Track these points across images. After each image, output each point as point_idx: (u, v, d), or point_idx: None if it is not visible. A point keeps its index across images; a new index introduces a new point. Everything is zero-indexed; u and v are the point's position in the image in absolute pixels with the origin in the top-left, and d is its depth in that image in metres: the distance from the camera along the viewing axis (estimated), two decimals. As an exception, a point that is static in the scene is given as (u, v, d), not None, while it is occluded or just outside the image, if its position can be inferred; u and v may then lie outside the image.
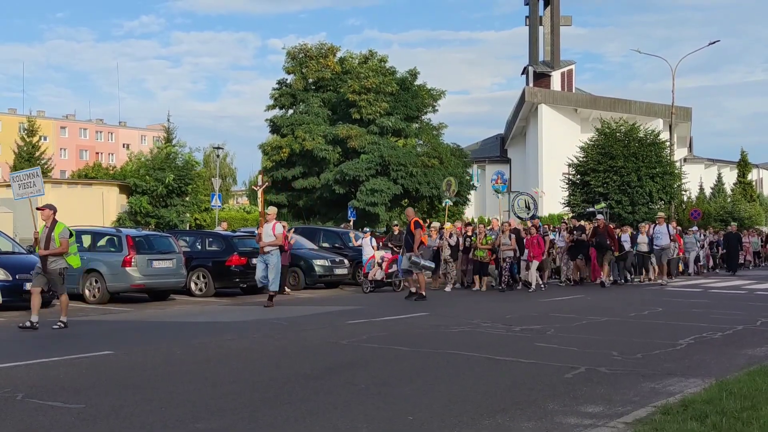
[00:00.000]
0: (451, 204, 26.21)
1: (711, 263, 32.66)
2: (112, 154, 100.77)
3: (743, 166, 64.01)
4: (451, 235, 22.37)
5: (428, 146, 38.95)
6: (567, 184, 40.25)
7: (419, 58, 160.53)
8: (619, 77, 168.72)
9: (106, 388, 7.76)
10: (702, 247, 31.22)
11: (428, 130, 40.30)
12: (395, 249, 21.07)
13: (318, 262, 22.34)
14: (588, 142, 39.40)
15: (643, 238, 25.05)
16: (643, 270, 25.84)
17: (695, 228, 32.05)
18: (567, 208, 40.28)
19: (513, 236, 21.62)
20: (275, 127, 39.54)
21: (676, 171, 39.44)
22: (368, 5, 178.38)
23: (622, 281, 24.61)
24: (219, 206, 34.42)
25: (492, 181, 25.04)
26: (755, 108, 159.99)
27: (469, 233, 22.43)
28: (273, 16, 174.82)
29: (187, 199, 32.91)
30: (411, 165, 35.93)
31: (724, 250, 32.91)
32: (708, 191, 59.73)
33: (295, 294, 20.66)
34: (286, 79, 41.12)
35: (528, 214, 24.16)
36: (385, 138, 37.18)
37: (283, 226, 17.99)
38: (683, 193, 42.70)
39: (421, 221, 19.48)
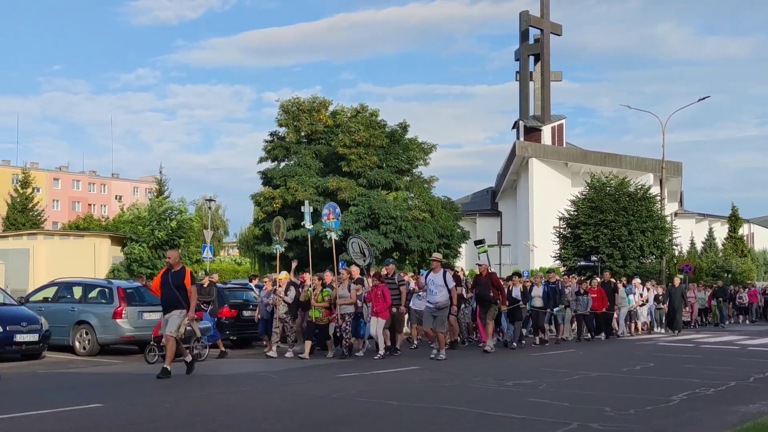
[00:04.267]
0: (282, 250, 21.78)
1: (652, 320, 28.59)
2: (105, 206, 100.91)
3: (734, 221, 64.30)
4: (288, 289, 17.97)
5: (419, 199, 39.10)
6: (558, 237, 40.43)
7: (413, 111, 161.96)
8: (611, 131, 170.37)
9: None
10: (643, 303, 27.89)
11: (419, 184, 40.48)
12: (202, 306, 16.76)
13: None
14: (578, 196, 39.67)
15: (537, 291, 21.63)
16: (538, 329, 21.78)
17: (638, 280, 29.10)
18: (558, 262, 40.40)
19: (354, 287, 17.81)
20: (267, 179, 39.68)
21: (667, 225, 39.67)
22: (362, 59, 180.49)
23: (514, 345, 20.11)
24: (210, 258, 34.39)
25: (323, 216, 20.20)
26: (746, 163, 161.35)
27: (309, 284, 18.08)
28: (268, 69, 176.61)
29: (179, 251, 32.88)
30: (401, 218, 36.00)
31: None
32: (699, 246, 59.92)
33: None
34: (279, 132, 41.39)
35: (364, 260, 19.99)
36: (374, 191, 37.33)
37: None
38: (674, 247, 42.89)
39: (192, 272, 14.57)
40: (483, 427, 8.79)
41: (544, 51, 64.48)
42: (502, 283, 20.14)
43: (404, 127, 40.16)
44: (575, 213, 38.97)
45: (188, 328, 14.34)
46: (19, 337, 16.03)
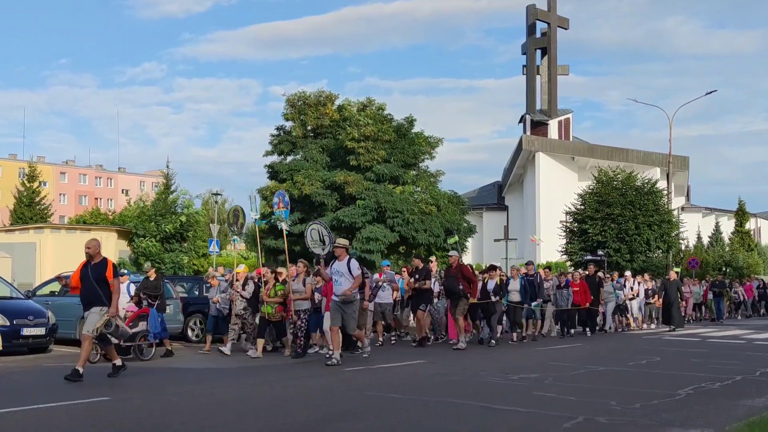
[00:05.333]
0: (240, 242, 20.19)
1: (647, 315, 27.88)
2: (111, 200, 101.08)
3: (741, 215, 64.21)
4: (246, 283, 16.90)
5: (425, 193, 39.07)
6: (564, 232, 40.40)
7: (420, 105, 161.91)
8: (619, 125, 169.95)
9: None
10: (633, 297, 26.63)
11: (426, 178, 40.44)
12: (149, 300, 16.44)
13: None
14: (585, 190, 39.64)
15: (514, 285, 20.27)
16: (515, 325, 20.66)
17: (629, 273, 28.18)
18: (565, 256, 40.38)
19: (309, 280, 16.58)
20: (273, 172, 39.68)
21: (674, 219, 39.63)
22: (369, 53, 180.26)
23: (492, 342, 18.82)
24: (217, 252, 34.41)
25: (274, 205, 18.66)
26: (754, 157, 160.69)
27: (265, 279, 16.74)
28: (275, 62, 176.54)
29: (186, 244, 32.94)
30: (408, 212, 35.97)
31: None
32: (706, 240, 59.83)
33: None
34: (285, 126, 41.38)
35: (323, 249, 18.09)
36: (382, 185, 37.32)
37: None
38: (681, 241, 42.84)
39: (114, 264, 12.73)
40: (489, 421, 8.80)
41: (551, 45, 64.32)
42: (473, 274, 18.99)
43: (410, 122, 40.12)
44: (582, 207, 38.96)
45: (121, 329, 12.92)
46: (26, 331, 16.09)
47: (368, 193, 36.29)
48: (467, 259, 47.08)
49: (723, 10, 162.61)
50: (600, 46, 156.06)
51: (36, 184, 56.06)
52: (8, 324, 15.88)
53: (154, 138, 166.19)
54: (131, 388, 11.47)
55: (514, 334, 20.53)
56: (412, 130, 40.12)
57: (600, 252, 35.38)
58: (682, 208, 59.76)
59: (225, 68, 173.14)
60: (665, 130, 41.58)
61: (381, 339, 19.12)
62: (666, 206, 39.19)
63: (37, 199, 55.02)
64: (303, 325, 16.08)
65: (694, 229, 55.43)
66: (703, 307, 33.54)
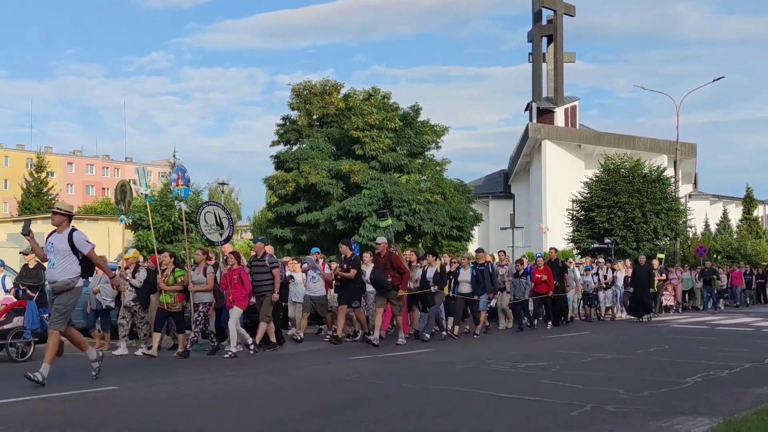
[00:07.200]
0: (129, 222, 16.72)
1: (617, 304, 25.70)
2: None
3: (749, 202, 64.02)
4: (136, 270, 14.83)
5: (431, 182, 39.02)
6: (571, 220, 40.34)
7: (427, 93, 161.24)
8: (627, 113, 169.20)
9: (111, 424, 7.74)
10: (608, 285, 24.81)
11: (431, 166, 40.40)
12: (29, 292, 14.53)
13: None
14: (592, 178, 39.53)
15: (464, 275, 18.11)
16: (465, 317, 18.50)
17: (602, 260, 26.59)
18: (572, 245, 40.32)
19: (212, 271, 14.79)
20: (279, 162, 39.68)
21: (681, 207, 39.53)
22: (376, 41, 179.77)
23: (426, 336, 16.94)
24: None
25: (172, 182, 16.80)
26: (762, 144, 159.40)
27: (163, 266, 14.86)
28: (281, 52, 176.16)
29: (192, 234, 32.94)
30: (414, 201, 35.95)
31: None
32: (713, 227, 59.67)
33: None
34: (291, 116, 41.35)
35: (221, 235, 15.95)
36: (387, 174, 37.28)
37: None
38: (689, 229, 42.73)
39: None
40: (496, 410, 8.80)
41: (557, 32, 64.09)
42: (404, 263, 16.76)
43: (416, 110, 40.06)
44: (588, 195, 38.87)
45: None
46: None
47: (374, 183, 36.27)
48: (473, 248, 47.02)
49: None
50: (607, 33, 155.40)
51: (43, 175, 56.19)
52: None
53: (161, 128, 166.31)
54: (140, 377, 11.50)
55: (456, 328, 18.13)
56: (419, 119, 40.06)
57: (607, 240, 35.35)
58: (690, 196, 59.55)
59: (232, 58, 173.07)
60: (673, 117, 41.40)
61: (302, 334, 17.02)
62: (673, 194, 39.07)
63: (45, 189, 55.18)
64: (200, 318, 14.43)
65: (701, 216, 55.28)
66: (686, 295, 31.61)
